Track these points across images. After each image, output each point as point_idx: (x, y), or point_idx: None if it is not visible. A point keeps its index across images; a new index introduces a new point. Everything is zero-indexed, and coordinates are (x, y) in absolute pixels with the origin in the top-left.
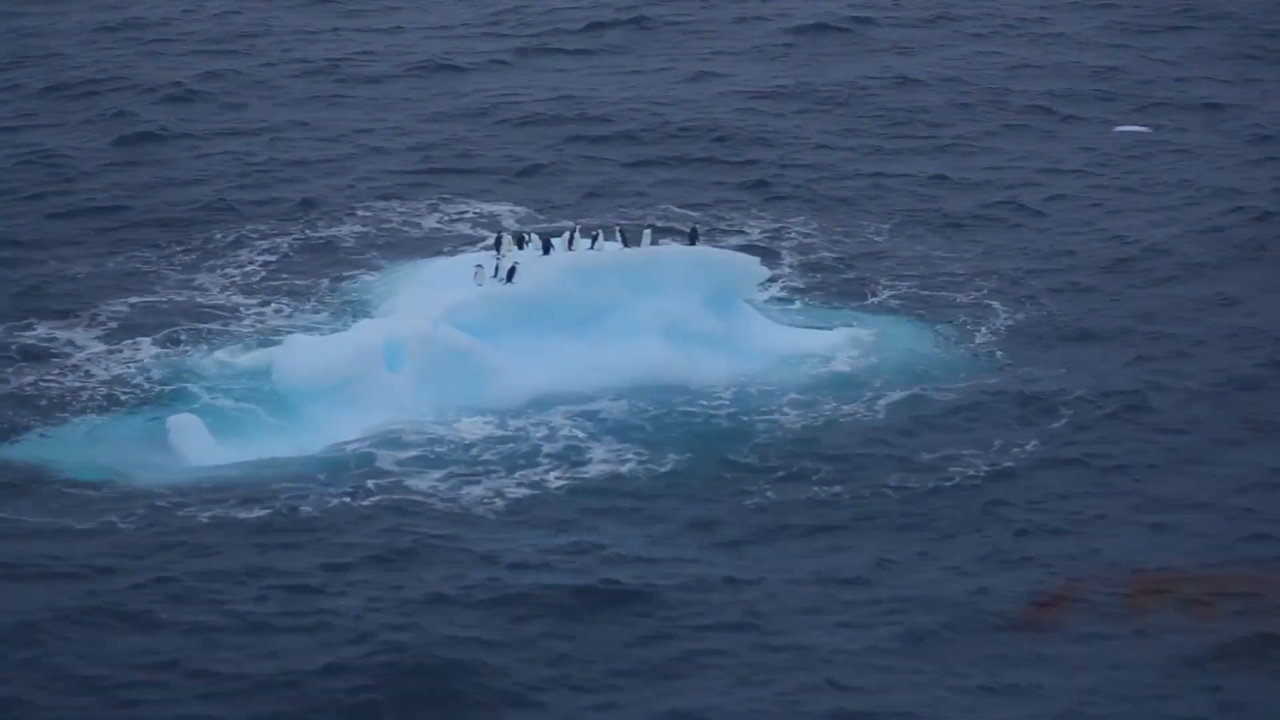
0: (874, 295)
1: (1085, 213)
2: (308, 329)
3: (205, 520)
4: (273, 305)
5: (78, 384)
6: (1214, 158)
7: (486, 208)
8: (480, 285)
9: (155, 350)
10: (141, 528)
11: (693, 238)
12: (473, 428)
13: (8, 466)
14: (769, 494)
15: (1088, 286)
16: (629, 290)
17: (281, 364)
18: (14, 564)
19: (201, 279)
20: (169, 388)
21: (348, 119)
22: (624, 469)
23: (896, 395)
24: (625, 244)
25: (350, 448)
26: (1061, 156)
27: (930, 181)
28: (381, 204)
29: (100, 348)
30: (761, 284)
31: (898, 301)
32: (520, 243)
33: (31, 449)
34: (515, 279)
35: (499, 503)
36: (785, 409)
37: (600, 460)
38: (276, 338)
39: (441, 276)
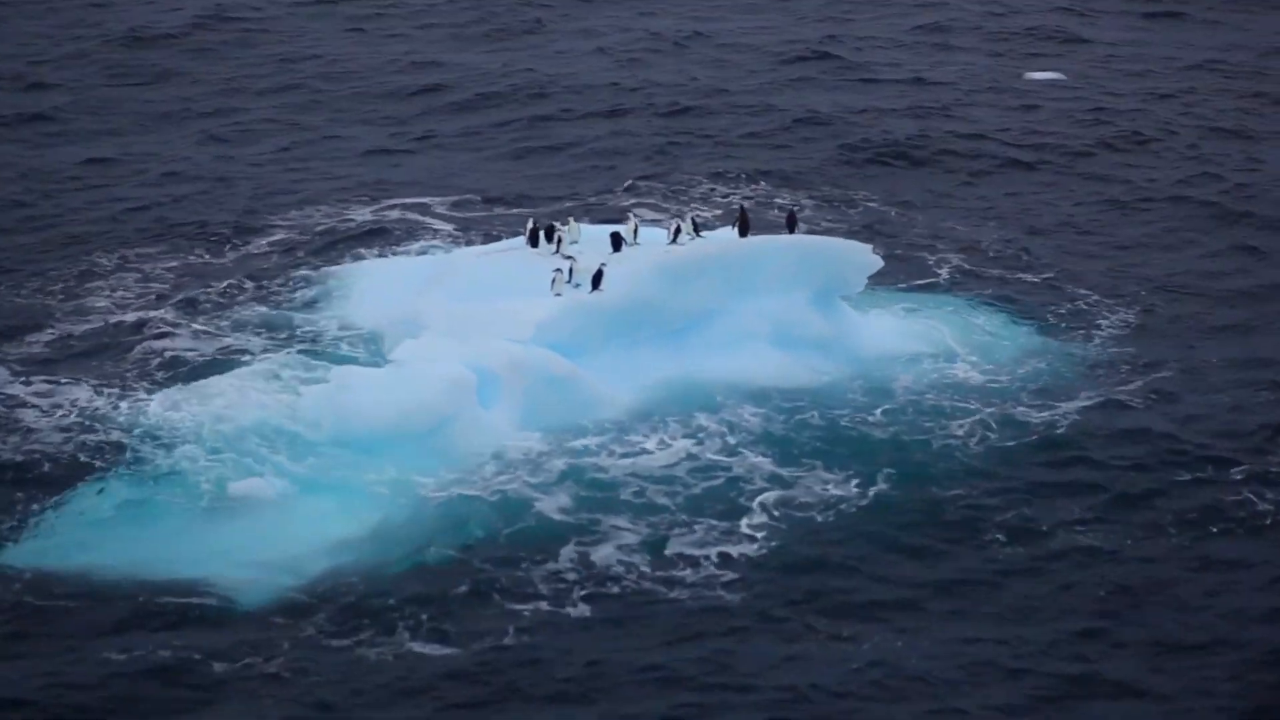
0: (927, 275)
1: None
2: (311, 353)
3: (362, 649)
4: (244, 330)
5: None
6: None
7: (413, 200)
8: (559, 295)
9: (139, 396)
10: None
11: (791, 223)
12: (616, 468)
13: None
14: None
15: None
16: (727, 291)
17: (350, 407)
18: None
19: (134, 304)
20: (184, 441)
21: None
22: (825, 502)
23: (1050, 402)
24: (698, 233)
25: (486, 509)
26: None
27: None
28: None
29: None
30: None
31: (956, 278)
32: (549, 235)
33: (50, 543)
34: (602, 285)
35: (713, 555)
36: (954, 423)
37: (784, 498)
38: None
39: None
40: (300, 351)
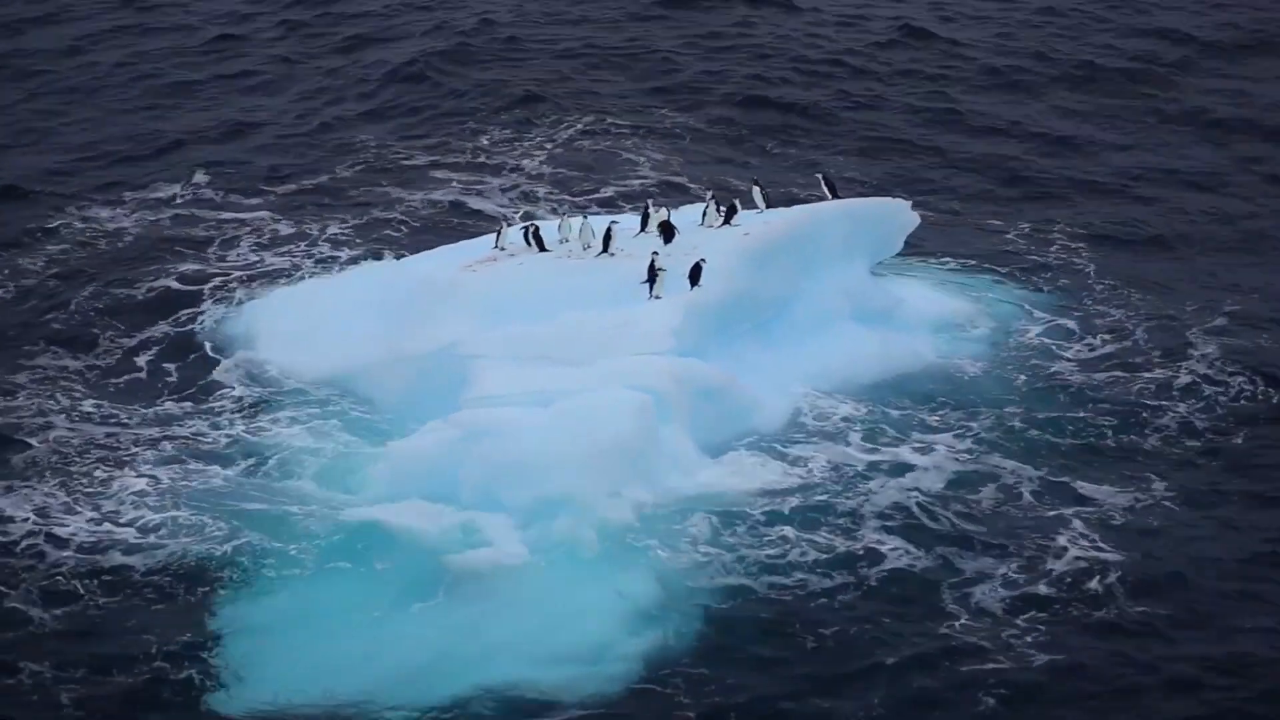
0: None
1: None
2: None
3: None
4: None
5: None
6: None
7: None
8: (659, 297)
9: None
10: None
11: (831, 187)
12: (872, 492)
13: None
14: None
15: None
16: (797, 270)
17: (512, 457)
18: None
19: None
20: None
21: None
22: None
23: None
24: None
25: (781, 571)
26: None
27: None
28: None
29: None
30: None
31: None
32: (539, 239)
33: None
34: (701, 280)
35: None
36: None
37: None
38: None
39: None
40: (292, 409)
